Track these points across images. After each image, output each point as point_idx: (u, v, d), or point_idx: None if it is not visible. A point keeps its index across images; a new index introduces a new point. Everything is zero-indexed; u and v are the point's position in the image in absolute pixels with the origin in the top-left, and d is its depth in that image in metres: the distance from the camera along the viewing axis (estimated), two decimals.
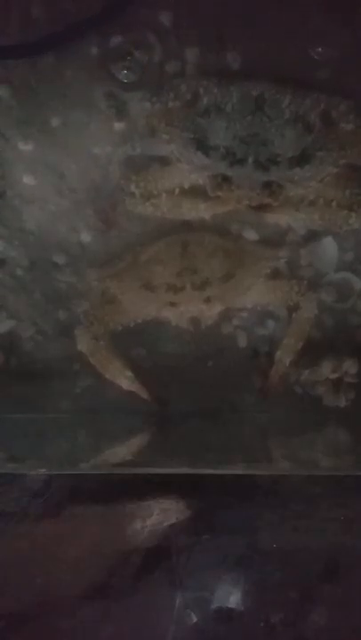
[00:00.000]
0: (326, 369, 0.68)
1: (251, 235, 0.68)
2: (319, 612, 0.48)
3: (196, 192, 0.64)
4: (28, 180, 0.67)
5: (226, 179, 0.61)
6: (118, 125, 0.66)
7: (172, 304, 0.65)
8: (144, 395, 0.68)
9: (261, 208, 0.63)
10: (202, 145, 0.61)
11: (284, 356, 0.66)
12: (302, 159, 0.61)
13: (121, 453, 0.65)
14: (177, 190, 0.64)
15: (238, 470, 0.58)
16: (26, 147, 0.67)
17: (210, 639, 0.49)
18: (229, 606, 0.48)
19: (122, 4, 0.63)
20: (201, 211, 0.65)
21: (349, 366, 0.68)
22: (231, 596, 0.49)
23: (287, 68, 0.63)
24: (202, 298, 0.65)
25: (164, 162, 0.65)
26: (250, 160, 0.60)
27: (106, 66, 0.64)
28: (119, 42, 0.64)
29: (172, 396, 0.69)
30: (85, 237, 0.69)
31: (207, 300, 0.65)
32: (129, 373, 0.67)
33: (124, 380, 0.67)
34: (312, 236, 0.68)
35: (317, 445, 0.67)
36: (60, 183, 0.68)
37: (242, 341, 0.70)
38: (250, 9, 0.63)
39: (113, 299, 0.68)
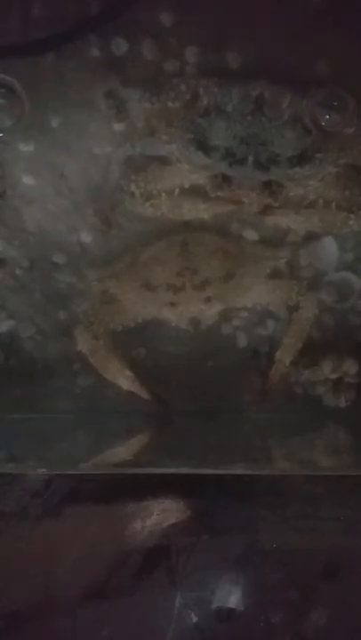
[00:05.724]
0: (326, 369, 0.67)
1: (251, 235, 0.68)
2: (319, 612, 0.48)
3: (196, 192, 0.64)
4: (27, 180, 0.67)
5: (226, 179, 0.61)
6: (118, 125, 0.65)
7: (172, 304, 0.65)
8: (144, 395, 0.68)
9: (262, 211, 0.63)
10: (202, 145, 0.61)
11: (284, 356, 0.66)
12: (302, 159, 0.61)
13: (121, 453, 0.65)
14: (177, 190, 0.64)
15: (238, 470, 0.58)
16: (26, 147, 0.66)
17: (210, 639, 0.49)
18: (229, 606, 0.48)
19: (122, 4, 0.63)
20: (201, 211, 0.65)
21: (349, 366, 0.68)
22: (231, 596, 0.49)
23: (287, 68, 0.63)
24: (202, 298, 0.65)
25: (164, 162, 0.65)
26: (250, 160, 0.60)
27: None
28: None
29: (172, 395, 0.69)
30: (85, 237, 0.69)
31: (207, 300, 0.65)
32: (129, 373, 0.67)
33: (124, 380, 0.67)
34: (312, 237, 0.68)
35: (317, 445, 0.67)
36: (59, 183, 0.67)
37: (242, 341, 0.70)
38: (250, 9, 0.63)
39: (113, 299, 0.68)
